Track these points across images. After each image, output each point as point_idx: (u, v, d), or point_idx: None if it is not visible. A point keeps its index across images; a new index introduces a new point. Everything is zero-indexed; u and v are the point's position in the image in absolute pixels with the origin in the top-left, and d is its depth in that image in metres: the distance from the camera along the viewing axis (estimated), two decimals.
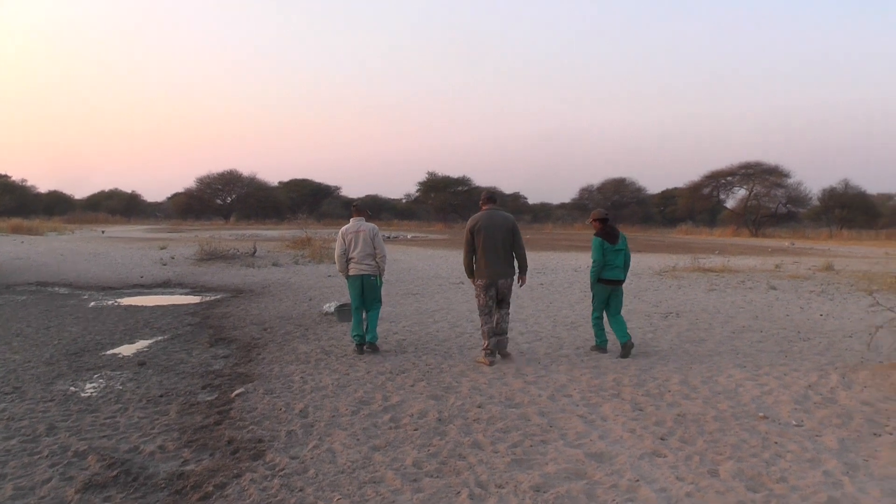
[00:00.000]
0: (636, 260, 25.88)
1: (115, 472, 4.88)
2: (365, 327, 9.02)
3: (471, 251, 8.53)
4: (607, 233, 9.07)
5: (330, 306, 11.99)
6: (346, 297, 13.34)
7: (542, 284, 16.88)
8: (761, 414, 6.25)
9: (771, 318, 11.88)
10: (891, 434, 5.68)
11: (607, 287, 9.10)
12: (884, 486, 4.58)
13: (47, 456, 5.29)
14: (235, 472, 4.87)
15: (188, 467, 5.05)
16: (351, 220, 9.17)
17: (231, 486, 4.60)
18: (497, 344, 8.48)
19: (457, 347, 9.18)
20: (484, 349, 8.45)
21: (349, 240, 8.96)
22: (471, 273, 8.66)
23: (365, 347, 8.95)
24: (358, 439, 5.55)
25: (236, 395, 6.84)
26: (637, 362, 8.35)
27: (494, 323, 8.47)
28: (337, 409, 6.37)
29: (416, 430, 5.79)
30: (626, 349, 8.79)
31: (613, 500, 4.36)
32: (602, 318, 9.22)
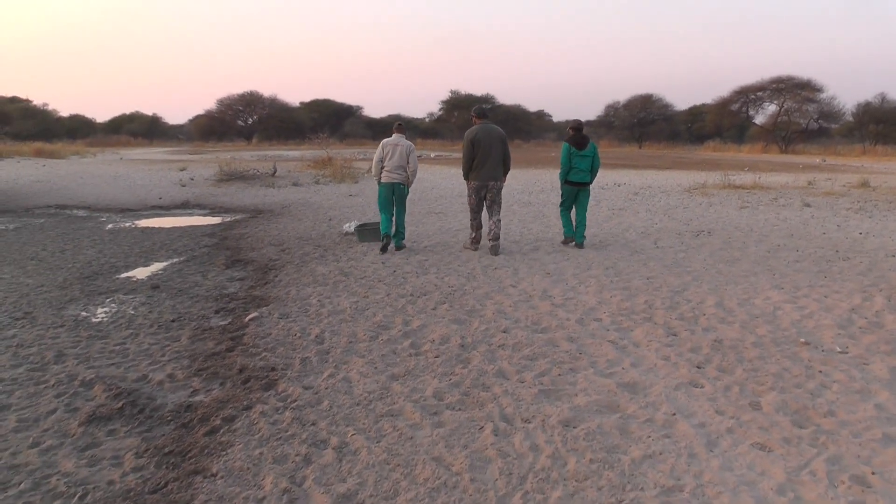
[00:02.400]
0: (666, 176, 25.33)
1: (120, 404, 4.63)
2: (393, 230, 10.21)
3: (469, 158, 9.87)
4: (576, 140, 10.30)
5: (350, 226, 11.66)
6: (367, 217, 13.24)
7: None
8: (803, 340, 5.88)
9: (807, 236, 11.40)
10: None
11: (573, 188, 10.42)
12: None
13: (53, 385, 5.06)
14: (245, 403, 4.60)
15: (197, 398, 4.80)
16: (393, 134, 10.33)
17: (240, 420, 4.34)
18: (492, 237, 9.87)
19: (481, 268, 8.82)
20: (471, 238, 10.19)
21: (388, 151, 10.12)
22: (467, 176, 10.03)
23: (393, 248, 10.18)
24: (376, 367, 5.26)
25: (250, 320, 6.56)
26: (669, 283, 7.97)
27: (481, 220, 10.14)
28: (355, 335, 6.08)
29: (437, 357, 5.49)
30: (579, 242, 10.35)
31: (649, 436, 4.05)
32: (569, 212, 10.61)
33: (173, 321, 6.74)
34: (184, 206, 17.25)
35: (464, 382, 4.92)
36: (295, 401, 4.62)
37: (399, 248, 10.18)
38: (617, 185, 21.60)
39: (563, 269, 8.76)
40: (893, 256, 9.58)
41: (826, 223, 12.91)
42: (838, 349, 5.67)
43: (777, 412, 4.38)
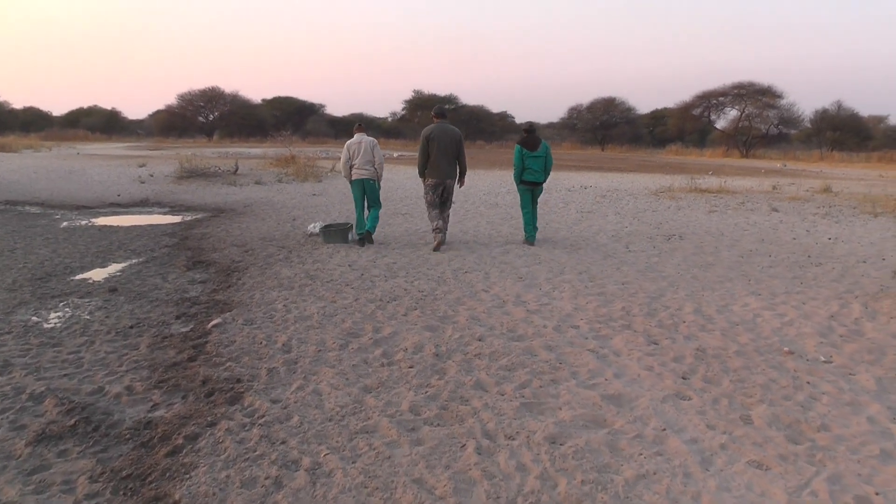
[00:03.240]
0: (631, 179, 25.35)
1: (73, 420, 4.28)
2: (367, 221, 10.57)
3: (424, 156, 10.16)
4: (528, 142, 10.66)
5: (315, 227, 11.33)
6: (332, 217, 12.98)
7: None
8: (786, 349, 5.75)
9: (777, 241, 11.37)
10: None
11: (528, 187, 10.80)
12: None
13: None
14: (209, 419, 4.29)
15: (157, 413, 4.46)
16: (355, 135, 10.66)
17: (204, 438, 4.03)
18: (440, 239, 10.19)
19: (451, 272, 8.58)
20: (435, 239, 10.19)
21: (353, 150, 10.46)
22: (423, 174, 10.33)
23: (363, 239, 10.47)
24: (347, 378, 4.98)
25: (213, 326, 6.22)
26: (645, 289, 7.81)
27: (439, 216, 10.24)
28: (323, 343, 5.79)
29: (411, 367, 5.22)
30: (529, 242, 10.69)
31: (640, 454, 3.83)
32: (530, 213, 10.83)
33: (132, 327, 6.37)
34: (143, 204, 16.73)
35: (441, 395, 4.66)
36: (262, 416, 4.32)
37: (364, 239, 10.50)
38: (584, 187, 21.49)
39: (536, 274, 8.55)
40: (864, 262, 9.56)
41: (795, 228, 12.90)
42: (822, 358, 5.54)
43: (769, 426, 4.20)
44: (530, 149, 10.62)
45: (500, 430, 4.11)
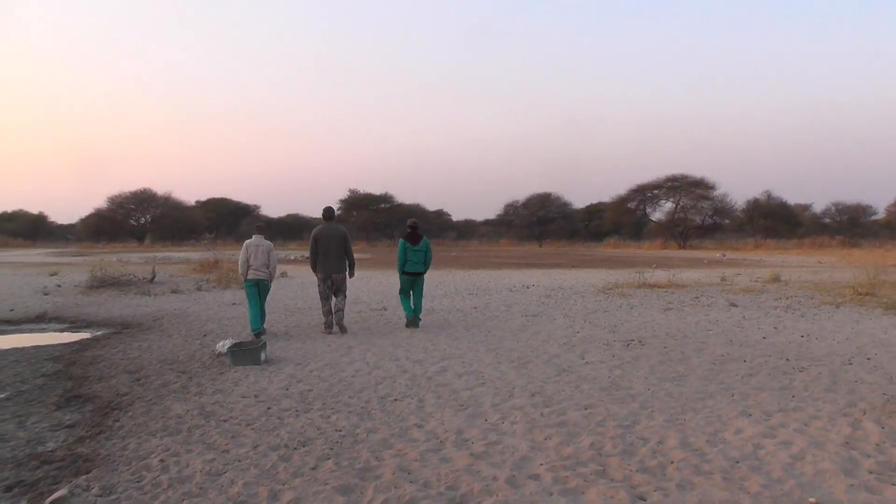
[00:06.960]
0: (575, 276, 24.48)
1: None
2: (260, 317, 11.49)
3: (314, 253, 11.64)
4: (411, 237, 12.08)
5: (224, 345, 9.78)
6: (247, 333, 11.52)
7: (475, 308, 14.98)
8: (812, 499, 4.43)
9: (747, 342, 10.31)
10: None
11: (410, 278, 12.20)
12: None
13: None
14: None
15: None
16: (254, 236, 11.69)
17: None
18: (336, 319, 11.66)
19: (377, 400, 7.17)
20: (324, 324, 11.76)
21: (251, 251, 11.48)
22: (314, 269, 11.69)
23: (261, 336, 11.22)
24: None
25: (52, 503, 4.63)
26: (613, 414, 6.50)
27: (332, 306, 11.68)
28: None
29: None
30: (413, 322, 12.13)
31: None
32: (408, 298, 12.37)
33: None
34: (38, 320, 14.78)
35: None
36: None
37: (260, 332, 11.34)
38: (526, 286, 20.42)
39: (480, 398, 7.18)
40: (850, 364, 8.56)
41: (761, 325, 11.92)
42: None
43: None
44: (413, 243, 12.03)
45: None
